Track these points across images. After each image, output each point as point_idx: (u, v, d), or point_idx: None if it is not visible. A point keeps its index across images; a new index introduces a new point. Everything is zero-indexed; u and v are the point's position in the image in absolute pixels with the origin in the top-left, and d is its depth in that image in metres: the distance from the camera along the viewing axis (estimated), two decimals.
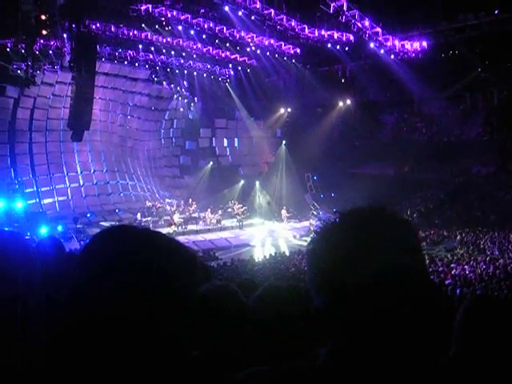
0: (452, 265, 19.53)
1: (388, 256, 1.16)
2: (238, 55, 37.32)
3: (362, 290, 1.14)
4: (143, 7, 27.83)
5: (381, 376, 1.14)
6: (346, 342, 1.19)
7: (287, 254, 26.43)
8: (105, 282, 1.19)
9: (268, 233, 32.85)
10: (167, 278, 1.23)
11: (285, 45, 34.53)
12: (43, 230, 26.78)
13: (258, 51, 34.93)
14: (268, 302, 2.61)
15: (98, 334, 1.17)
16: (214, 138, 45.13)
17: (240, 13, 28.86)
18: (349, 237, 1.19)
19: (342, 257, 1.17)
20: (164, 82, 41.92)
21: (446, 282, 14.80)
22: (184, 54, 36.79)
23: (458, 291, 13.16)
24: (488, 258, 21.18)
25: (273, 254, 26.21)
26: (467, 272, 17.79)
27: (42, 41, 30.24)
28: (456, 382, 1.21)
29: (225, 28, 31.07)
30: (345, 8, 28.34)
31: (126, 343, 1.18)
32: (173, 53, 36.40)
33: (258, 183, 40.66)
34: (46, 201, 36.26)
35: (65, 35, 29.89)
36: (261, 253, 27.71)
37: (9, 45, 29.85)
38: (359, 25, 29.88)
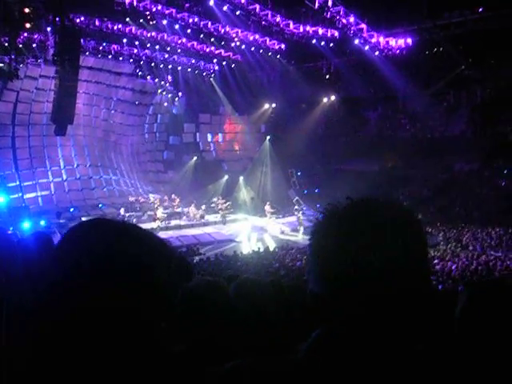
0: (435, 261, 19.64)
1: (393, 249, 1.16)
2: (222, 50, 37.26)
3: (363, 280, 1.14)
4: (128, 1, 27.67)
5: (360, 370, 1.15)
6: (331, 333, 1.20)
7: (271, 249, 26.45)
8: (80, 275, 1.19)
9: (252, 228, 32.87)
10: (142, 269, 1.23)
11: (269, 40, 34.51)
12: (26, 225, 26.65)
13: (243, 46, 34.89)
14: (242, 295, 2.62)
15: (75, 329, 1.16)
16: (197, 133, 45.06)
17: (225, 8, 28.82)
18: (357, 226, 1.19)
19: (348, 246, 1.17)
20: (148, 77, 41.73)
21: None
22: (168, 49, 36.66)
23: (440, 287, 13.25)
24: (470, 254, 21.37)
25: (256, 250, 26.22)
26: (449, 268, 17.92)
27: (25, 34, 30.01)
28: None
29: (210, 23, 30.99)
30: (330, 4, 28.33)
31: (106, 336, 1.18)
32: (157, 47, 36.26)
33: (241, 178, 40.68)
34: (29, 195, 36.05)
35: (48, 28, 29.68)
36: (245, 248, 27.71)
37: None
38: (344, 21, 29.89)
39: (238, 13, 29.21)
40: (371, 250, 1.15)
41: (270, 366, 1.24)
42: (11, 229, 24.38)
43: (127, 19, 30.77)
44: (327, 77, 39.22)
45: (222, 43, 35.32)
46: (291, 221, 34.06)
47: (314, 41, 32.51)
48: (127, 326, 1.20)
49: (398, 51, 32.74)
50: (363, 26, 30.88)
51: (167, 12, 29.44)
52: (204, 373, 1.35)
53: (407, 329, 1.17)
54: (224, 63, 40.46)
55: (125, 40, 34.89)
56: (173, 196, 36.75)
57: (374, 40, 31.92)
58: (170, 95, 44.49)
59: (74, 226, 1.33)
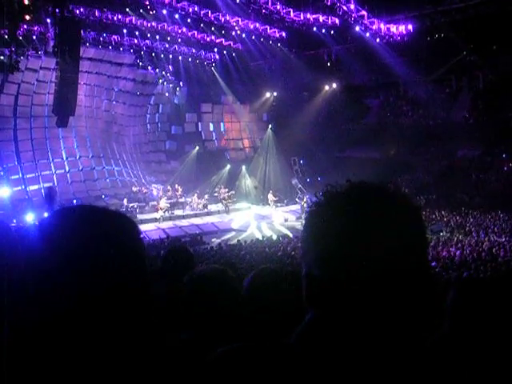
0: (438, 247, 19.64)
1: (392, 237, 1.14)
2: (223, 39, 37.16)
3: (363, 263, 1.12)
4: None
5: (353, 356, 1.14)
6: (325, 316, 1.19)
7: (274, 238, 26.45)
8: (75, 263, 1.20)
9: (255, 217, 32.91)
10: (105, 263, 1.23)
11: (270, 28, 34.40)
12: (29, 217, 26.68)
13: (244, 35, 34.77)
14: (260, 285, 2.62)
15: (76, 319, 1.17)
16: (199, 123, 45.00)
17: None
18: (355, 211, 1.16)
19: (346, 231, 1.14)
20: (149, 67, 41.63)
21: (432, 265, 14.89)
22: (169, 39, 36.58)
23: (443, 273, 13.25)
24: (474, 241, 21.35)
25: (260, 238, 26.23)
26: (453, 254, 17.92)
27: (25, 26, 29.95)
28: (446, 361, 1.20)
29: (210, 12, 30.90)
30: None
31: (108, 324, 1.19)
32: (158, 37, 36.16)
33: (244, 167, 40.67)
34: (32, 187, 36.02)
35: (48, 20, 29.62)
36: (248, 237, 27.71)
37: None
38: (344, 8, 29.80)
39: (238, 1, 29.10)
40: (373, 232, 1.13)
41: (260, 351, 1.23)
42: (14, 221, 24.43)
43: (127, 9, 30.72)
44: (328, 64, 39.12)
45: (223, 32, 35.23)
46: (294, 209, 34.11)
47: (314, 28, 32.42)
48: (126, 312, 1.21)
49: (398, 38, 32.64)
50: (364, 12, 30.77)
51: (167, 1, 29.34)
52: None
53: (406, 316, 1.15)
54: (225, 52, 40.37)
55: (125, 30, 34.77)
56: (176, 186, 36.76)
57: (374, 27, 31.81)
58: (171, 85, 44.40)
59: (56, 213, 1.33)
